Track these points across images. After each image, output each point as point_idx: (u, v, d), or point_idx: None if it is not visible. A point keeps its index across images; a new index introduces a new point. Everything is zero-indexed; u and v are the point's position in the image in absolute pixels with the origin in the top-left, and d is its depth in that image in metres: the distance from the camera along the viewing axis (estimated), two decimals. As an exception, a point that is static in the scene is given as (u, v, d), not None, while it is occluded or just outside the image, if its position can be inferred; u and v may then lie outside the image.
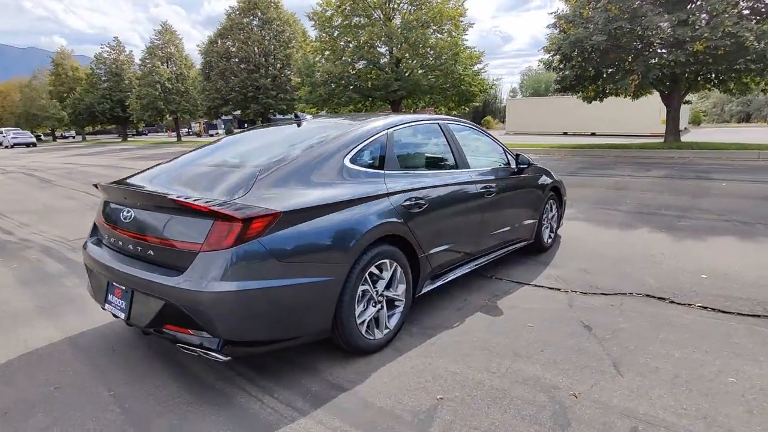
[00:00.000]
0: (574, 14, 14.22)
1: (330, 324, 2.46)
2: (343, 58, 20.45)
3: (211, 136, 48.98)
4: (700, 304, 3.32)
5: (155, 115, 39.52)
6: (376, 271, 2.69)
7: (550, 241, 4.84)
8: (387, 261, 2.73)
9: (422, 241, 2.97)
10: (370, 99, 21.60)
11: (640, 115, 24.08)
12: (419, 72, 19.52)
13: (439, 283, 3.26)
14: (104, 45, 45.85)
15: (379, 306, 2.74)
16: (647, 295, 3.53)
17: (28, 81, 54.13)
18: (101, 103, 44.12)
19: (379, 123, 3.10)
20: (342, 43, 20.95)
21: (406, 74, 19.88)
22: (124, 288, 2.40)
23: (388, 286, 2.80)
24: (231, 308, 2.10)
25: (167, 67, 39.25)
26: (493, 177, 3.83)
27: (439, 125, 3.61)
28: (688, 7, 13.13)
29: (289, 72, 31.23)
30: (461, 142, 3.76)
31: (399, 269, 2.84)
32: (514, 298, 3.56)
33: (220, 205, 2.15)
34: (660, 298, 3.47)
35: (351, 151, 2.76)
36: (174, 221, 2.27)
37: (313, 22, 21.66)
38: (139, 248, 2.40)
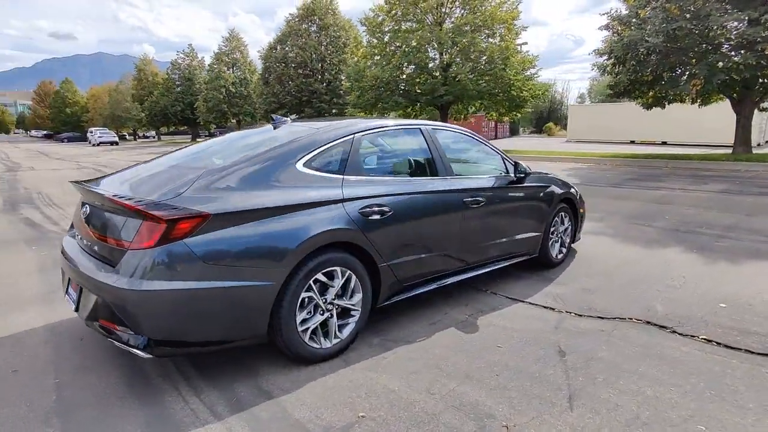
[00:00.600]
0: (630, 15, 13.23)
1: (265, 329, 2.42)
2: (392, 63, 20.51)
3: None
4: (704, 337, 2.94)
5: (220, 117, 41.96)
6: (324, 279, 2.62)
7: (560, 256, 4.52)
8: (338, 269, 2.66)
9: (383, 251, 2.86)
10: (418, 104, 21.49)
11: (720, 122, 21.45)
12: (468, 77, 19.10)
13: (406, 295, 3.12)
14: (179, 52, 49.40)
15: (327, 314, 2.67)
16: (647, 322, 3.18)
17: (115, 85, 59.48)
18: (174, 105, 47.56)
19: (348, 128, 3.03)
20: (392, 47, 21.04)
21: (454, 79, 19.55)
22: (77, 282, 2.51)
23: (341, 295, 2.72)
24: (154, 307, 2.13)
25: (232, 72, 41.55)
26: (482, 186, 3.63)
27: (421, 131, 3.46)
28: (765, 5, 11.82)
29: (343, 77, 31.83)
30: (449, 149, 3.60)
31: (354, 278, 2.75)
32: (498, 316, 3.35)
33: (147, 205, 2.19)
34: (661, 327, 3.11)
35: (306, 155, 2.71)
36: (114, 220, 2.35)
37: (365, 28, 21.95)
38: (89, 243, 2.51)
